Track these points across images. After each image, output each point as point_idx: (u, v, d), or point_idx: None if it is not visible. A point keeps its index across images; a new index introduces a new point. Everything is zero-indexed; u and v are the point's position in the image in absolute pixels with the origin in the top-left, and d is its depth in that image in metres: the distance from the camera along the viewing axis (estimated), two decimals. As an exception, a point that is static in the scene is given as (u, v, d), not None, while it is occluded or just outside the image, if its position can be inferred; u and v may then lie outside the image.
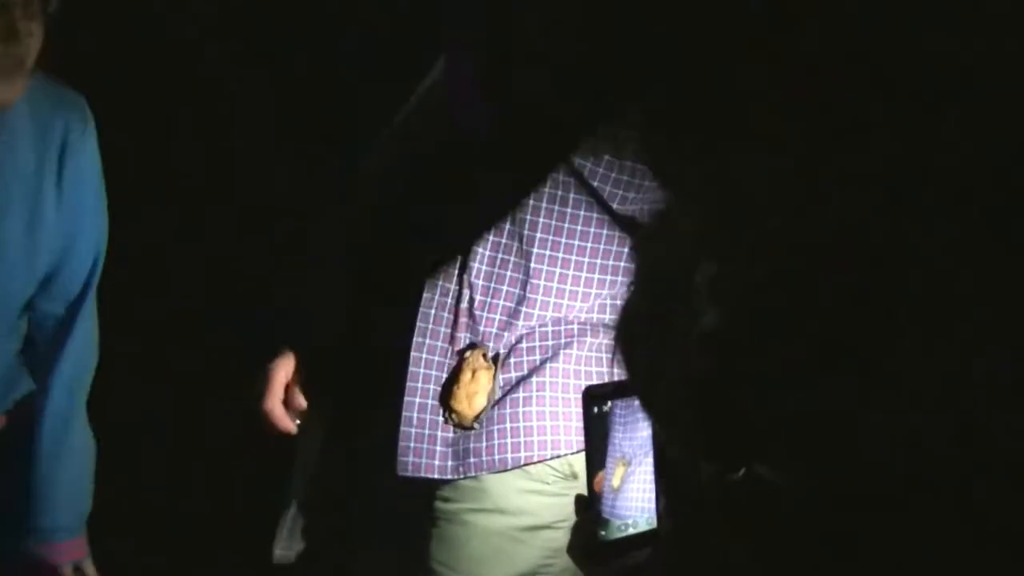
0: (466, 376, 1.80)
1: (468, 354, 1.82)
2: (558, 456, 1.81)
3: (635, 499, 1.32)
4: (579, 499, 1.32)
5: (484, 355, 1.82)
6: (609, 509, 1.30)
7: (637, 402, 1.29)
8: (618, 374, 1.84)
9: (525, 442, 1.81)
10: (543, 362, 1.83)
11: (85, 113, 2.02)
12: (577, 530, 1.32)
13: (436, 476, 1.83)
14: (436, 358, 1.84)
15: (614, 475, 1.31)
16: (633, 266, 1.10)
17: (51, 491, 2.06)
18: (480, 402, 1.81)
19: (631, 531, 1.31)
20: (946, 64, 0.98)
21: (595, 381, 1.83)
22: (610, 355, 1.83)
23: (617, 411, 1.31)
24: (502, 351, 1.83)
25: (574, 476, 1.82)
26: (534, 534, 1.82)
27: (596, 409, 1.29)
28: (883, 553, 1.03)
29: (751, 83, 1.44)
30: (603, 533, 1.30)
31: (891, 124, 0.97)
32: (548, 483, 1.82)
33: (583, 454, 1.80)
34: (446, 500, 1.84)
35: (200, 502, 2.79)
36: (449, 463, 1.83)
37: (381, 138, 1.93)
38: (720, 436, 1.03)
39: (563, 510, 1.81)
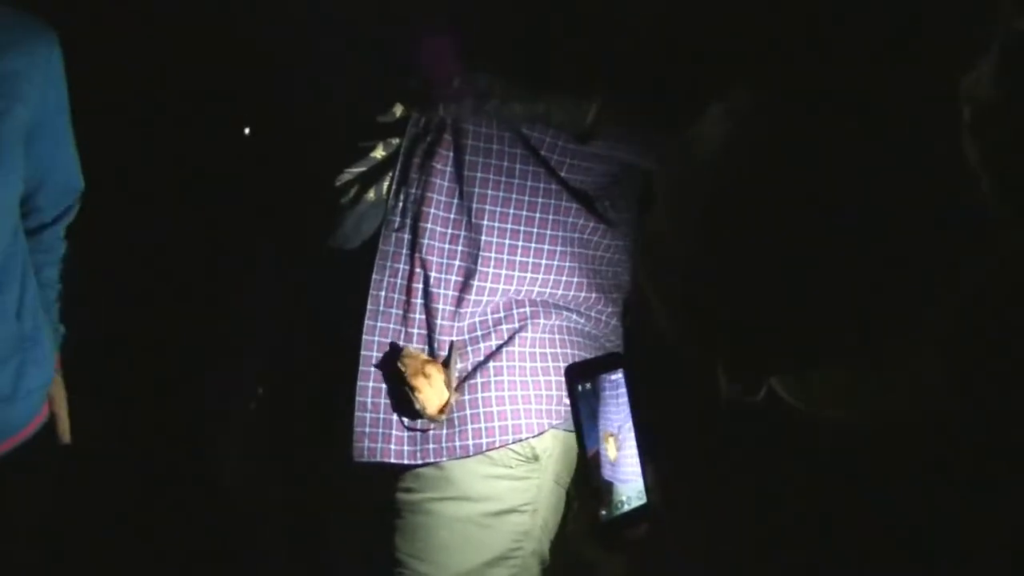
0: (420, 381, 1.77)
1: (406, 361, 1.79)
2: (520, 440, 1.80)
3: (628, 475, 1.32)
4: (578, 483, 1.32)
5: (421, 355, 1.80)
6: (608, 487, 1.30)
7: (618, 375, 1.31)
8: (572, 353, 1.85)
9: (487, 428, 1.80)
10: (499, 347, 1.82)
11: (52, 38, 2.03)
12: (581, 513, 1.32)
13: (393, 460, 1.81)
14: (389, 340, 1.82)
15: (608, 451, 1.31)
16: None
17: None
18: (444, 396, 1.79)
19: (627, 508, 1.32)
20: None
21: (550, 363, 1.84)
22: (564, 335, 1.85)
23: (600, 386, 1.30)
24: (455, 338, 1.81)
25: (536, 459, 1.82)
26: (501, 519, 1.81)
27: (580, 387, 1.28)
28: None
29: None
30: (604, 513, 1.30)
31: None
32: (512, 467, 1.81)
33: (543, 436, 1.82)
34: (409, 491, 1.82)
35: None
36: (406, 448, 1.81)
37: (327, 112, 1.90)
38: (742, 358, 1.05)
39: (528, 493, 1.82)
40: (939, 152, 0.99)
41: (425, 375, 1.78)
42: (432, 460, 1.81)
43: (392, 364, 1.79)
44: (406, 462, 1.81)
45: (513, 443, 1.80)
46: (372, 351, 1.81)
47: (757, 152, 1.01)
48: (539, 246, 1.83)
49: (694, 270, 1.05)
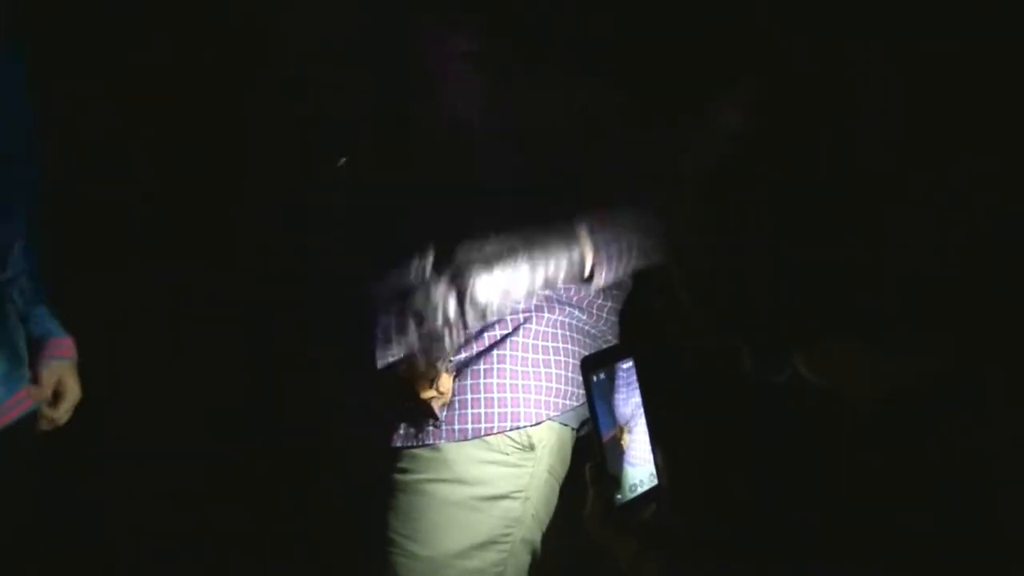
0: (426, 388, 1.82)
1: (407, 373, 1.82)
2: (517, 427, 1.84)
3: (639, 459, 1.36)
4: (592, 468, 1.35)
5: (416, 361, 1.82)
6: (622, 472, 1.34)
7: (629, 364, 1.35)
8: (573, 349, 1.88)
9: (485, 413, 1.83)
10: (504, 337, 1.86)
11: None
12: (596, 498, 1.35)
13: (398, 444, 1.85)
14: None
15: (621, 437, 1.35)
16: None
17: None
18: (443, 380, 1.83)
19: (640, 490, 1.36)
20: None
21: (551, 356, 1.87)
22: (566, 331, 1.89)
23: (614, 375, 1.34)
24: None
25: (531, 448, 1.86)
26: (492, 504, 1.84)
27: (595, 377, 1.32)
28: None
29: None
30: (619, 497, 1.34)
31: None
32: (507, 454, 1.84)
33: (540, 426, 1.85)
34: (404, 471, 1.85)
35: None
36: (410, 430, 1.85)
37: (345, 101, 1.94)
38: (767, 335, 1.09)
39: (520, 480, 1.85)
40: (942, 150, 1.04)
41: (432, 382, 1.82)
42: (431, 442, 1.84)
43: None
44: (405, 444, 1.85)
45: (510, 430, 1.84)
46: None
47: (769, 142, 1.06)
48: None
49: (714, 256, 1.09)
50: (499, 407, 1.83)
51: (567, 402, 1.87)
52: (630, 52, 1.80)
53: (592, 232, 1.74)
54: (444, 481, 1.83)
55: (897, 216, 1.01)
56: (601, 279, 1.76)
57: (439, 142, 1.84)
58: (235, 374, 2.65)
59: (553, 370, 1.86)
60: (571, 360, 1.87)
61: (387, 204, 1.87)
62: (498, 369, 1.85)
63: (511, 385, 1.84)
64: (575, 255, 1.74)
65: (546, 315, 1.88)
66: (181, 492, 2.67)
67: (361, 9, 1.89)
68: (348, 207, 1.94)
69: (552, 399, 1.85)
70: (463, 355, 1.85)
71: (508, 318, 1.86)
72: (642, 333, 1.90)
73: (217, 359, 2.67)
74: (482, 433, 1.83)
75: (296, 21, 2.04)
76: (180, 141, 2.75)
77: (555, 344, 1.88)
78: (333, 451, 2.00)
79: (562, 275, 1.74)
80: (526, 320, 1.87)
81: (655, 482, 1.37)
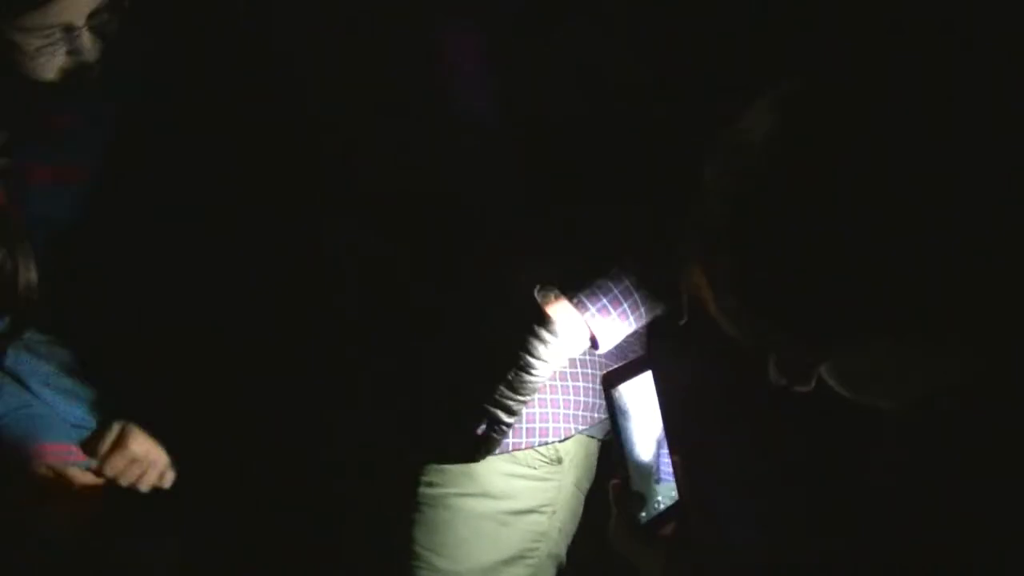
0: None
1: None
2: (546, 443, 1.82)
3: (663, 475, 1.35)
4: (615, 487, 1.34)
5: None
6: (645, 488, 1.33)
7: (650, 377, 1.34)
8: (602, 361, 1.88)
9: (514, 428, 1.79)
10: None
11: None
12: (620, 516, 1.35)
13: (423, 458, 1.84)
14: None
15: (643, 453, 1.34)
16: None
17: None
18: None
19: (663, 507, 1.35)
20: None
21: (579, 369, 1.85)
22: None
23: (635, 390, 1.33)
24: None
25: (559, 461, 1.84)
26: (519, 518, 1.83)
27: (617, 392, 1.31)
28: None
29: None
30: (644, 514, 1.33)
31: None
32: (535, 468, 1.83)
33: (567, 440, 1.85)
34: (431, 485, 1.83)
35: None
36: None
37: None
38: (792, 340, 1.09)
39: (547, 494, 1.84)
40: (970, 155, 1.05)
41: None
42: None
43: None
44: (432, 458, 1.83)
45: (539, 445, 1.82)
46: None
47: (804, 143, 1.06)
48: None
49: (746, 263, 1.09)
50: (527, 422, 1.81)
51: (594, 415, 1.86)
52: (654, 55, 1.78)
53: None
54: (471, 495, 1.82)
55: (926, 218, 1.02)
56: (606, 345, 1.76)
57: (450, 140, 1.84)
58: (236, 374, 2.63)
59: (580, 383, 1.84)
60: (597, 372, 1.85)
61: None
62: None
63: (539, 400, 1.81)
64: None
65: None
66: (181, 492, 2.65)
67: (374, 7, 1.88)
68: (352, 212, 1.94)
69: (580, 412, 1.84)
70: None
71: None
72: (662, 344, 1.90)
73: (218, 360, 2.65)
74: (510, 448, 1.81)
75: (303, 20, 2.03)
76: (180, 141, 2.73)
77: (581, 356, 1.84)
78: (335, 461, 1.98)
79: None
80: None
81: (676, 497, 1.37)
